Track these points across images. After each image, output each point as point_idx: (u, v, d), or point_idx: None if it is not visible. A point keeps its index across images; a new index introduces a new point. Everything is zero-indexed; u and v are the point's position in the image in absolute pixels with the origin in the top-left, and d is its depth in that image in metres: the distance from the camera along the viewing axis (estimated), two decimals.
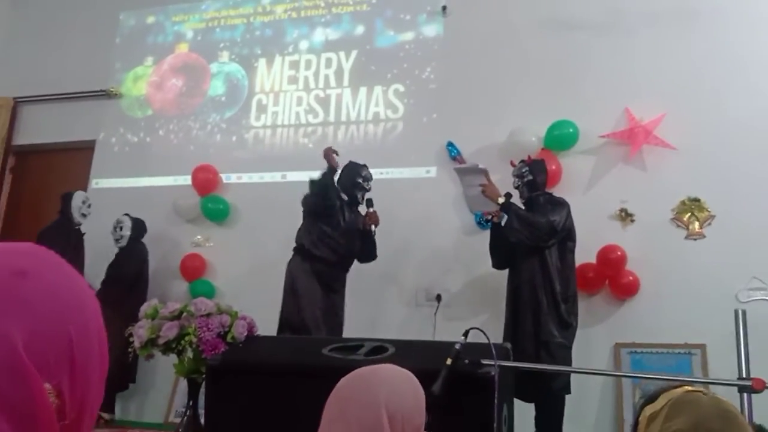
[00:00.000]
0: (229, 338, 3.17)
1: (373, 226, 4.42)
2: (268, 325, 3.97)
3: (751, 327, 2.65)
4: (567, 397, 3.92)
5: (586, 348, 4.34)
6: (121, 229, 5.39)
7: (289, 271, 4.37)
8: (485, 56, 5.41)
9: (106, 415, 5.07)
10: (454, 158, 5.20)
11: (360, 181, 4.53)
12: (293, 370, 2.94)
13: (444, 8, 5.63)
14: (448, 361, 2.34)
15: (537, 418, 3.91)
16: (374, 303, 5.05)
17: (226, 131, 6.04)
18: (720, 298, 4.24)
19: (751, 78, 4.71)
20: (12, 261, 0.60)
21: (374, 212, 4.44)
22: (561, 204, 4.09)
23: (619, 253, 4.57)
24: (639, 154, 4.83)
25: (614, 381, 4.46)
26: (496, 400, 2.30)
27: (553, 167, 4.77)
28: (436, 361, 2.35)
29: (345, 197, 4.50)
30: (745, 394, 2.45)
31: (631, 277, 4.60)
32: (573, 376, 3.97)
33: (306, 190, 4.41)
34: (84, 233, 5.45)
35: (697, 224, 4.62)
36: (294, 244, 4.45)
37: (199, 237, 5.79)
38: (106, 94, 6.41)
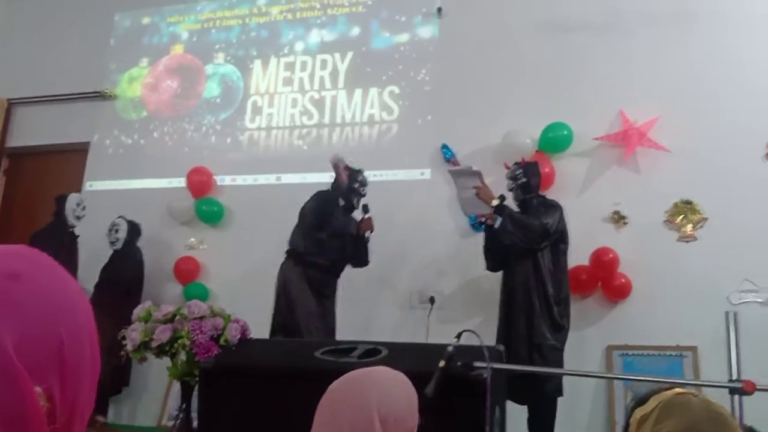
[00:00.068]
0: (222, 341, 3.16)
1: (367, 232, 4.43)
2: (261, 328, 3.97)
3: (743, 329, 2.66)
4: (559, 399, 3.93)
5: (579, 350, 4.36)
6: (116, 231, 5.37)
7: (281, 275, 4.37)
8: (480, 58, 5.43)
9: (101, 418, 5.06)
10: (448, 160, 5.21)
11: (356, 186, 4.53)
12: (286, 373, 2.93)
13: (439, 10, 5.65)
14: (441, 364, 2.34)
15: (529, 421, 3.92)
16: (367, 305, 5.05)
17: (220, 133, 6.04)
18: (712, 301, 4.26)
19: (745, 81, 4.73)
20: (4, 263, 0.60)
21: (369, 218, 4.45)
22: (554, 206, 4.10)
23: (611, 255, 4.59)
24: (632, 157, 4.84)
25: (606, 383, 4.47)
26: (488, 403, 2.30)
27: (547, 169, 4.79)
28: (428, 363, 2.36)
29: (341, 202, 4.50)
30: (736, 396, 2.46)
31: (623, 280, 4.61)
32: (565, 379, 3.98)
33: (303, 190, 4.42)
34: (78, 236, 5.43)
35: (689, 227, 4.64)
36: (287, 248, 4.45)
37: (193, 239, 5.78)
38: (101, 96, 6.39)
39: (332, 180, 4.57)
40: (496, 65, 5.35)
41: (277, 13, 6.24)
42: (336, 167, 4.35)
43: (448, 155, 5.23)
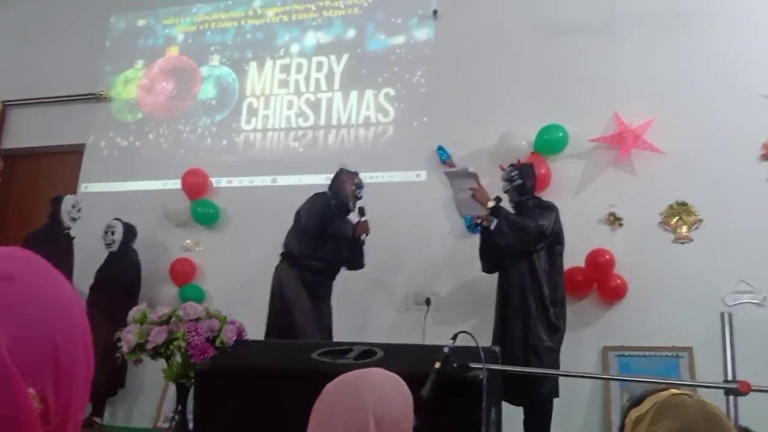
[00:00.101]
0: (218, 343, 3.16)
1: (363, 235, 4.42)
2: (257, 330, 3.96)
3: (738, 330, 2.66)
4: (555, 400, 3.93)
5: (575, 351, 4.36)
6: (112, 233, 5.36)
7: (276, 277, 4.36)
8: (476, 60, 5.44)
9: (99, 420, 5.06)
10: (444, 162, 5.22)
11: (352, 188, 4.53)
12: (282, 375, 2.93)
13: (435, 12, 5.65)
14: (437, 365, 2.34)
15: (525, 422, 3.92)
16: (364, 307, 5.05)
17: (216, 135, 6.03)
18: (707, 302, 4.27)
19: (740, 83, 4.74)
20: None
21: (365, 221, 4.44)
22: (550, 208, 4.10)
23: (607, 256, 4.59)
24: (628, 159, 4.85)
25: (602, 384, 4.47)
26: (484, 404, 2.30)
27: (543, 171, 4.79)
28: (424, 364, 2.36)
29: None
30: (731, 397, 2.46)
31: (619, 281, 4.62)
32: (561, 380, 3.98)
33: (299, 192, 4.41)
34: (74, 237, 5.42)
35: (684, 228, 4.65)
36: (282, 250, 4.45)
37: (188, 241, 5.77)
38: (96, 98, 6.38)
39: (329, 182, 4.58)
40: (492, 67, 5.36)
41: (272, 15, 6.24)
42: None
43: (443, 157, 5.24)
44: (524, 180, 4.24)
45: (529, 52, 5.28)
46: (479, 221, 4.34)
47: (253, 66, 6.13)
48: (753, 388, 2.28)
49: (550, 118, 4.98)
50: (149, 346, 3.16)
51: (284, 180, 5.65)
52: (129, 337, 3.19)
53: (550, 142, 4.99)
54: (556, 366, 3.89)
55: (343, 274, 4.56)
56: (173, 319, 3.20)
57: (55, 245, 5.14)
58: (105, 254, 5.37)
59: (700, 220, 4.64)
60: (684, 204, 4.68)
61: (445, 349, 2.40)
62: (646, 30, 5.05)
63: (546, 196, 4.48)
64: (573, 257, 4.40)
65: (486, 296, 4.43)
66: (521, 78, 5.25)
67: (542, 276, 3.97)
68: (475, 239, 4.46)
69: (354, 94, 5.74)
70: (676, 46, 4.96)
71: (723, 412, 1.27)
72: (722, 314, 2.70)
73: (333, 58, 5.91)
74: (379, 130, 5.60)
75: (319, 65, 5.94)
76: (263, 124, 5.93)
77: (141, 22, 6.64)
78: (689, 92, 4.82)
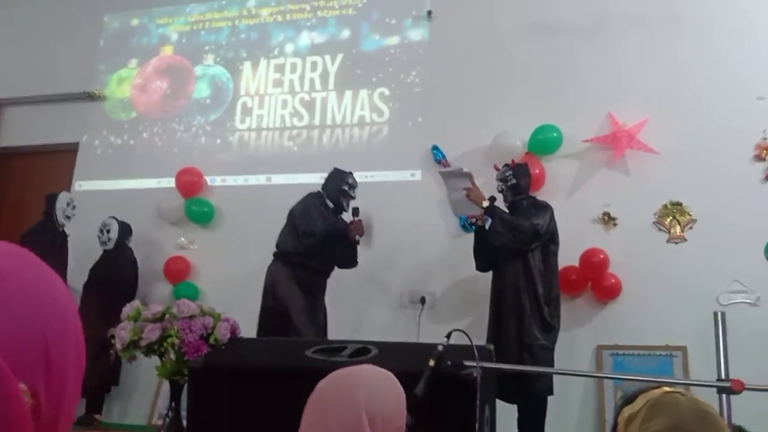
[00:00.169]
0: (211, 340, 3.15)
1: (357, 237, 4.42)
2: (251, 328, 3.96)
3: (731, 329, 2.68)
4: (549, 398, 3.94)
5: (569, 350, 4.37)
6: (108, 231, 5.35)
7: (269, 276, 4.36)
8: (470, 60, 5.44)
9: (99, 417, 5.06)
10: (438, 162, 5.22)
11: (345, 188, 4.53)
12: (276, 372, 2.93)
13: (429, 13, 5.66)
14: (431, 363, 2.34)
15: (519, 420, 3.93)
16: (358, 305, 5.05)
17: (210, 134, 6.02)
18: (701, 301, 4.29)
19: (734, 83, 4.76)
20: None
21: (360, 221, 4.44)
22: (544, 207, 4.11)
23: (601, 256, 4.61)
24: (622, 159, 4.87)
25: (596, 383, 4.49)
26: (478, 402, 2.30)
27: (537, 171, 4.80)
28: (419, 362, 2.36)
29: (330, 205, 4.49)
30: (724, 396, 2.48)
31: (613, 280, 4.63)
32: (555, 378, 3.99)
33: (293, 191, 4.40)
34: (68, 235, 5.41)
35: (678, 228, 4.67)
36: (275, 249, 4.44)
37: (182, 239, 5.76)
38: (90, 97, 6.37)
39: (323, 182, 4.58)
40: (486, 68, 5.37)
41: (266, 15, 6.24)
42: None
43: (438, 157, 5.24)
44: (518, 180, 4.25)
45: (523, 52, 5.29)
46: (474, 221, 4.35)
47: (247, 65, 6.12)
48: (746, 386, 2.29)
49: (545, 119, 4.99)
50: (143, 343, 3.15)
51: (278, 179, 5.65)
52: (123, 334, 3.18)
53: (545, 142, 5.00)
54: (551, 364, 3.91)
55: (338, 272, 4.56)
56: (167, 316, 3.20)
57: (51, 243, 5.14)
58: (99, 252, 5.36)
59: (694, 220, 4.66)
60: (678, 204, 4.69)
61: (440, 347, 2.40)
62: (640, 30, 5.06)
63: (540, 196, 4.49)
64: (567, 256, 4.41)
65: (481, 295, 4.43)
66: (515, 78, 5.26)
67: (537, 275, 3.98)
68: (470, 238, 4.46)
69: (348, 94, 5.74)
70: (669, 47, 4.97)
71: (716, 410, 1.27)
72: (716, 313, 2.71)
73: (327, 58, 5.91)
74: (374, 130, 5.60)
75: (314, 65, 5.93)
76: (257, 124, 5.93)
77: (135, 22, 6.62)
78: (683, 93, 4.83)
